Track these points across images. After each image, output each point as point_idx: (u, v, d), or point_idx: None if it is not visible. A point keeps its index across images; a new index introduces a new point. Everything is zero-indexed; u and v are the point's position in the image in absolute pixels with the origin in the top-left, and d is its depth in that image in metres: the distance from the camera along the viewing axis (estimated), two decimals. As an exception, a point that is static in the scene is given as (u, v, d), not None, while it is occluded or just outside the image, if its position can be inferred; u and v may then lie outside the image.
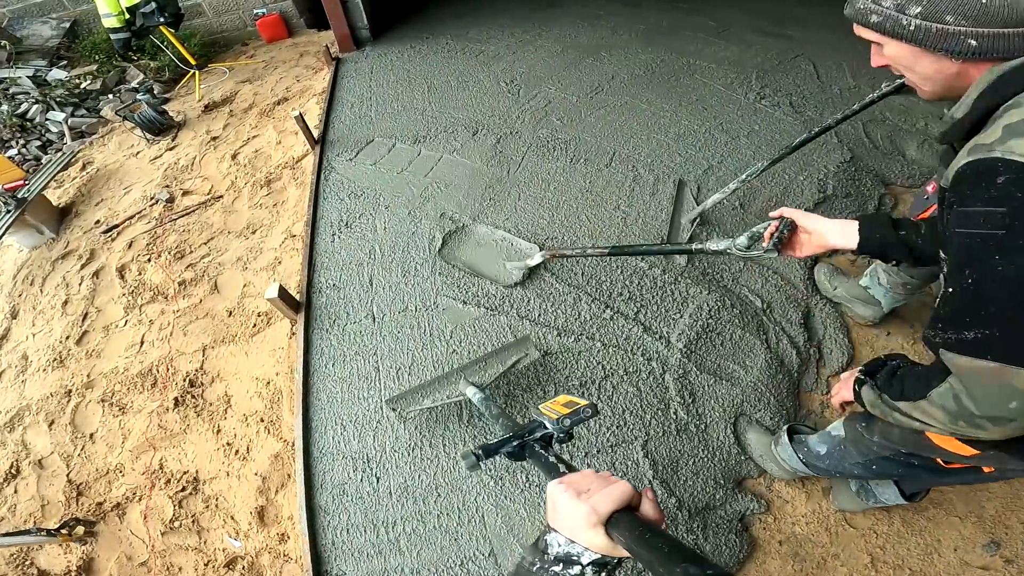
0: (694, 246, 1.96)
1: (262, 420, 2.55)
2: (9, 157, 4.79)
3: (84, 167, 4.64)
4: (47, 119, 5.29)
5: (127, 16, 4.84)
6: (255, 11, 6.21)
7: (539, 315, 2.70)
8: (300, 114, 3.62)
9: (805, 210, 1.60)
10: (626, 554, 0.69)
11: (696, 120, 3.70)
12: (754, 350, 2.46)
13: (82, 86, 5.64)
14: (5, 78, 5.70)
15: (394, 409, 2.36)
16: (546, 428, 1.10)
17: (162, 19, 4.94)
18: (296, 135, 3.97)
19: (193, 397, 2.70)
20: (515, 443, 1.13)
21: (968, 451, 1.17)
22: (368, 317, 2.79)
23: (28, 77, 5.67)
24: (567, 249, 2.62)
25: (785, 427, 1.98)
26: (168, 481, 2.46)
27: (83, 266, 3.61)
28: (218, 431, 2.57)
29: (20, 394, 3.01)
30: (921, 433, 1.20)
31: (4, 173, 4.22)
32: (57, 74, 5.77)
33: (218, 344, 2.89)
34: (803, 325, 2.57)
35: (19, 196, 3.88)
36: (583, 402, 1.15)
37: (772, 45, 4.41)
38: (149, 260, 3.46)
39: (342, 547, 2.20)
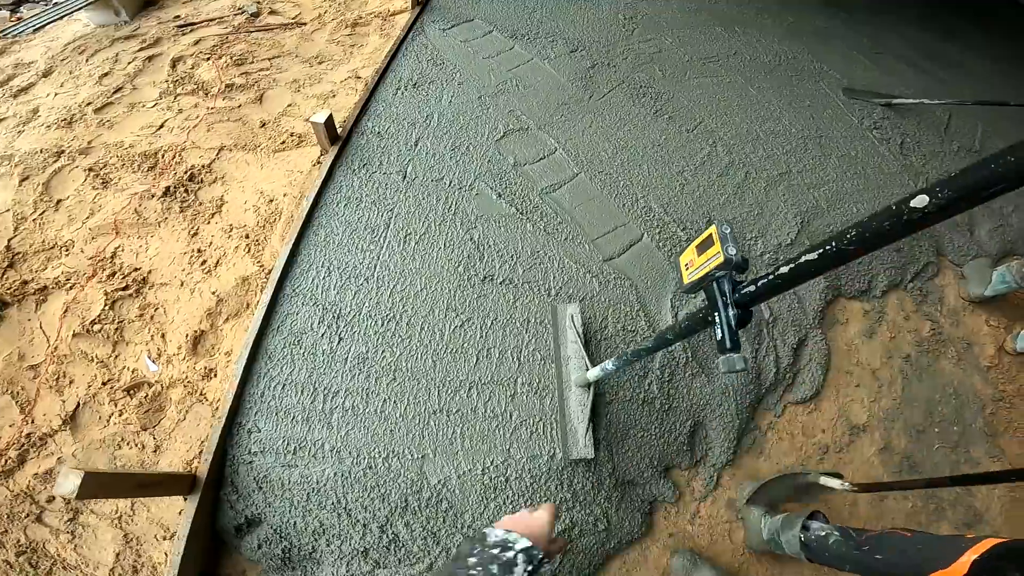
0: None
1: (247, 237, 1.88)
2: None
3: (189, -30, 3.84)
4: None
5: None
6: None
7: (566, 237, 2.00)
8: (414, -29, 2.81)
9: None
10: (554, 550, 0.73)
11: (797, 124, 2.86)
12: (743, 354, 1.79)
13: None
14: None
15: (570, 454, 1.62)
16: (720, 275, 0.82)
17: None
18: (401, -9, 3.14)
19: (186, 191, 2.02)
20: (731, 312, 0.83)
21: None
22: (399, 173, 2.07)
23: None
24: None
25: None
26: (113, 274, 1.79)
27: (141, 49, 2.88)
28: (194, 234, 1.89)
29: (9, 144, 2.32)
30: None
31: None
32: None
33: (237, 148, 2.19)
34: (794, 350, 2.03)
35: (113, -19, 3.17)
36: (711, 230, 0.88)
37: (915, 81, 3.45)
38: (208, 59, 2.73)
39: (269, 401, 1.56)
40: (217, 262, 1.80)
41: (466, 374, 1.70)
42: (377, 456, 1.54)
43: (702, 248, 0.90)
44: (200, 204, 1.97)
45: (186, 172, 2.06)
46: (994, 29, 4.41)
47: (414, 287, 1.80)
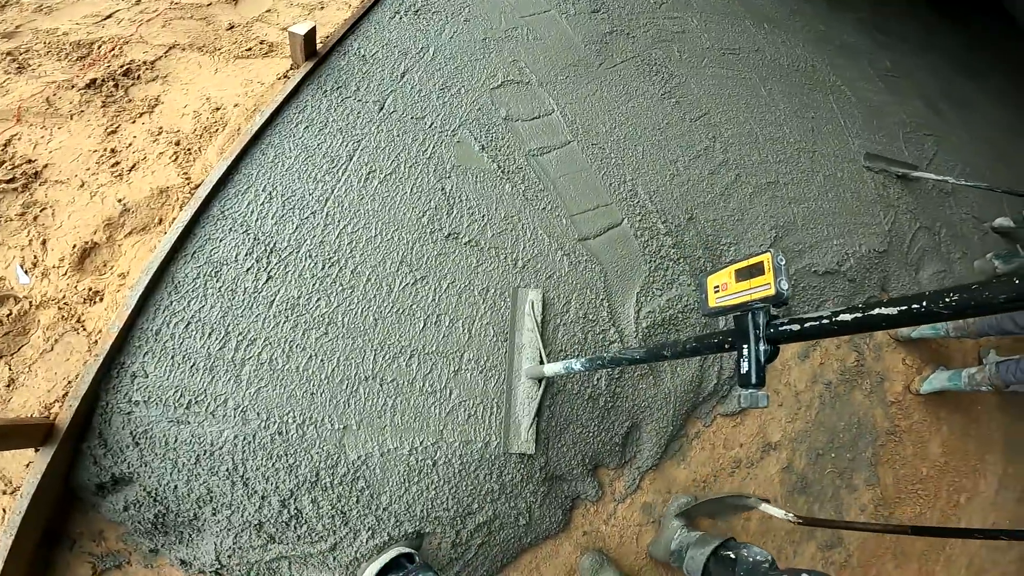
0: None
1: (177, 144, 1.34)
2: None
3: None
4: None
5: None
6: None
7: (545, 206, 1.52)
8: None
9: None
10: None
11: (796, 134, 2.36)
12: (691, 362, 1.61)
13: None
14: None
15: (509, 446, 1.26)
16: (758, 308, 0.66)
17: None
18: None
19: (115, 86, 1.44)
20: (761, 347, 0.65)
21: None
22: (377, 104, 1.53)
23: None
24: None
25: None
26: (1, 163, 1.23)
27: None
28: (112, 131, 1.34)
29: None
30: None
31: None
32: None
33: (192, 48, 1.59)
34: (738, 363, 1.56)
35: None
36: (765, 256, 0.65)
37: (920, 112, 2.92)
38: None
39: (165, 342, 1.09)
40: (133, 166, 1.27)
41: (409, 340, 1.25)
42: (291, 421, 1.12)
43: (744, 274, 0.70)
44: (129, 101, 1.40)
45: (122, 66, 1.47)
46: (1016, 76, 3.84)
47: (368, 231, 1.31)
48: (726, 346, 0.73)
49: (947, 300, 0.49)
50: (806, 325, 0.62)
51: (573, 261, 1.52)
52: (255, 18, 1.73)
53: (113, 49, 1.50)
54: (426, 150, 1.48)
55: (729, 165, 2.06)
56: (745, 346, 0.67)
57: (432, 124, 1.54)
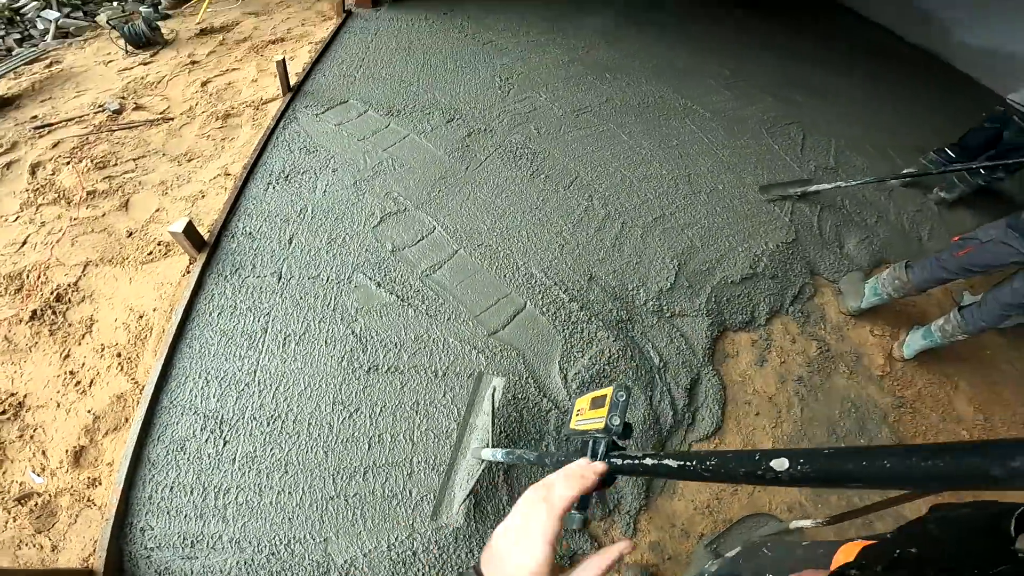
0: None
1: (119, 355, 2.15)
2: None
3: (50, 65, 4.06)
4: (39, 16, 4.69)
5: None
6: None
7: (449, 317, 2.41)
8: (283, 60, 3.22)
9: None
10: None
11: (667, 165, 3.48)
12: (636, 404, 2.29)
13: (92, -11, 5.04)
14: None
15: (438, 517, 1.97)
16: (599, 437, 0.95)
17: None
18: (275, 78, 3.54)
19: (54, 313, 2.27)
20: None
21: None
22: (274, 275, 2.41)
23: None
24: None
25: None
26: None
27: (-1, 155, 3.09)
28: (66, 356, 2.15)
29: None
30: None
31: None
32: (71, -27, 5.15)
33: (104, 263, 2.46)
34: (688, 390, 2.44)
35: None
36: (608, 391, 0.98)
37: (774, 106, 4.22)
38: (68, 163, 2.98)
39: (158, 503, 1.85)
40: (91, 382, 2.07)
41: (360, 460, 2.00)
42: (278, 543, 1.82)
43: (596, 403, 1.01)
44: (70, 325, 2.22)
45: (52, 292, 2.30)
46: (858, 56, 5.44)
47: (297, 387, 2.11)
48: None
49: (708, 463, 0.71)
50: (625, 462, 0.86)
51: (489, 355, 2.31)
52: (148, 220, 2.65)
53: (40, 276, 2.35)
54: (329, 303, 2.33)
55: (612, 217, 3.07)
56: None
57: (328, 278, 2.42)
